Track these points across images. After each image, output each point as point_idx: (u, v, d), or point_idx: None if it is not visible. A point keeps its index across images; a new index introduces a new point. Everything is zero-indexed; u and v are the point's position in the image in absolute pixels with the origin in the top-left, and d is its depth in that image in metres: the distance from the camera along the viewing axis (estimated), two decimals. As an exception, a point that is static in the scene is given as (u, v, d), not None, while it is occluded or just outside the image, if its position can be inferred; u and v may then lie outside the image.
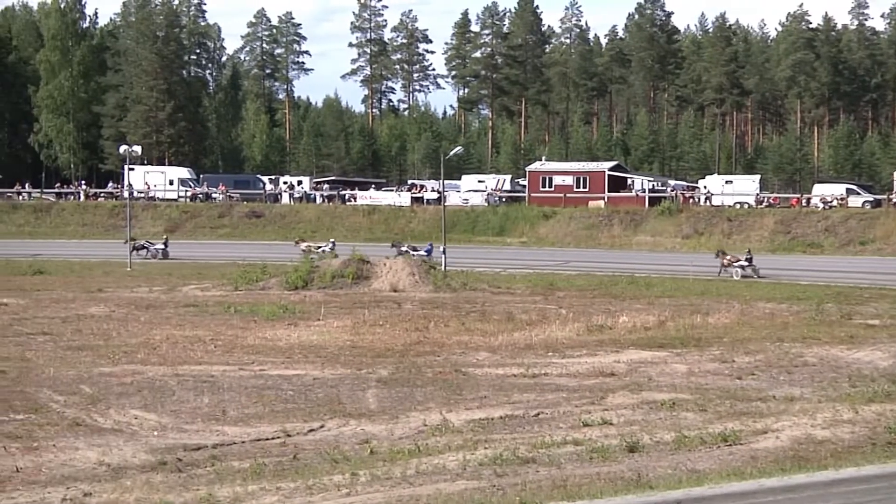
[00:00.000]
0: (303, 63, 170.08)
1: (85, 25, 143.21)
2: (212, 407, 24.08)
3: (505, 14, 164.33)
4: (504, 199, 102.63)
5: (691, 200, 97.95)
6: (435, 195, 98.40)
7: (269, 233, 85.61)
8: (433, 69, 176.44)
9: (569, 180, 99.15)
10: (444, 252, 63.00)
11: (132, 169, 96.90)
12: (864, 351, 32.48)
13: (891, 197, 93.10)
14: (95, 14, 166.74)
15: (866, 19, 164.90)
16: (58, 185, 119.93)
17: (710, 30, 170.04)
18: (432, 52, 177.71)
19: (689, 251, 73.41)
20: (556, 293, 52.03)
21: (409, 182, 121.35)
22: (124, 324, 38.66)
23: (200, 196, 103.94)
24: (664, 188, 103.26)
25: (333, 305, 45.03)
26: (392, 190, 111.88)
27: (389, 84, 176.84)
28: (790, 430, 21.11)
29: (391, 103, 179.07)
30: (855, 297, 49.61)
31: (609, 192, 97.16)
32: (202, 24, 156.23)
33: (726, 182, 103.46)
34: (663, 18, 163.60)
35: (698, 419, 22.42)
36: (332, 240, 74.88)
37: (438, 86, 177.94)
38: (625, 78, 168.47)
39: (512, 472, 17.87)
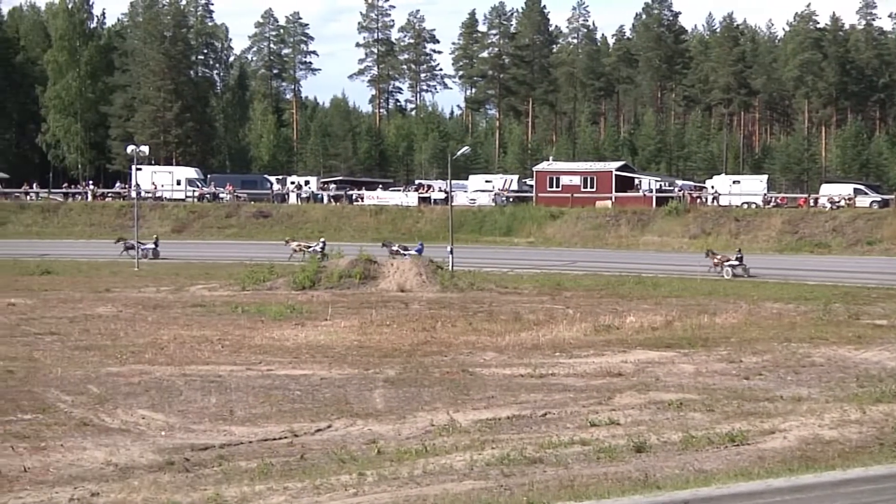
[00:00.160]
0: (310, 63, 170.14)
1: (92, 25, 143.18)
2: (219, 407, 24.11)
3: (512, 14, 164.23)
4: (511, 199, 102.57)
5: (699, 200, 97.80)
6: (442, 195, 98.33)
7: (276, 233, 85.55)
8: (440, 69, 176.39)
9: (576, 180, 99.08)
10: (451, 252, 62.95)
11: (139, 169, 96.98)
12: (871, 351, 32.48)
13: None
14: (103, 14, 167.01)
15: (874, 19, 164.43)
16: (65, 185, 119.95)
17: (718, 30, 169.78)
18: (439, 52, 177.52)
19: (697, 251, 73.23)
20: (564, 293, 52.05)
21: (417, 182, 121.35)
22: (132, 324, 38.72)
23: (208, 196, 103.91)
24: (671, 188, 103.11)
25: (341, 305, 45.08)
26: (399, 190, 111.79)
27: (397, 84, 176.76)
28: (798, 430, 21.10)
29: (398, 103, 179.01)
30: (862, 298, 49.60)
31: (616, 192, 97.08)
32: (209, 24, 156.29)
33: (734, 182, 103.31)
34: (671, 18, 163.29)
35: (706, 419, 22.42)
36: (322, 239, 75.03)
37: (446, 86, 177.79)
38: (632, 78, 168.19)
39: (519, 472, 17.88)
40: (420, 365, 29.67)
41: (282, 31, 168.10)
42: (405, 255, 65.37)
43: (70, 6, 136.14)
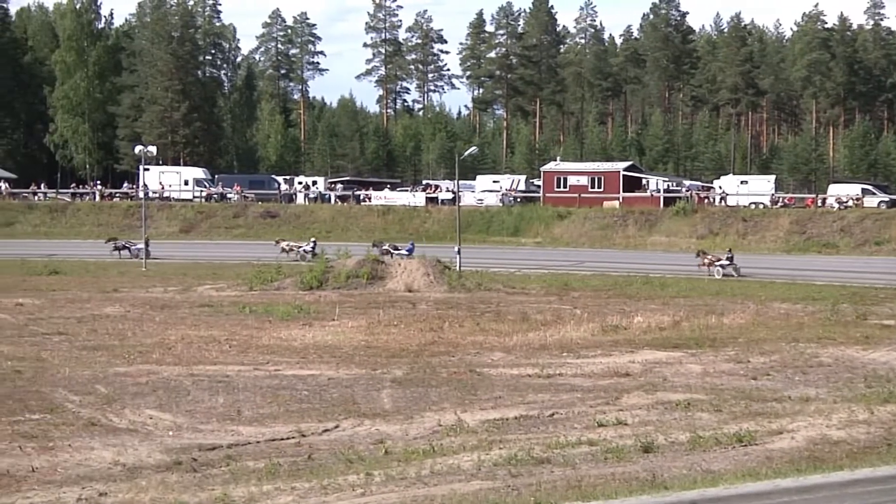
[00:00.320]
0: (317, 63, 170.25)
1: (100, 26, 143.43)
2: (227, 407, 24.12)
3: (520, 14, 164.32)
4: (519, 200, 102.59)
5: (706, 201, 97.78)
6: (449, 195, 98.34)
7: (284, 233, 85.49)
8: (448, 69, 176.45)
9: (583, 180, 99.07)
10: (458, 252, 62.96)
11: (147, 169, 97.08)
12: (879, 351, 32.45)
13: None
14: (111, 15, 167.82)
15: (882, 19, 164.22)
16: (73, 185, 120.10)
17: (726, 30, 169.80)
18: (447, 53, 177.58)
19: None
20: (571, 293, 52.05)
21: (424, 182, 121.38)
22: (139, 324, 38.75)
23: (215, 196, 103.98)
24: (679, 188, 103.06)
25: (348, 305, 45.09)
26: (407, 190, 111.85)
27: (404, 84, 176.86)
28: (805, 430, 21.08)
29: (406, 103, 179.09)
30: (870, 298, 49.55)
31: (624, 192, 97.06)
32: (217, 24, 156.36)
33: (741, 182, 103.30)
34: (678, 18, 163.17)
35: (713, 419, 22.40)
36: (312, 239, 75.21)
37: (453, 86, 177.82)
38: (640, 78, 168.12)
39: (527, 472, 17.88)
40: (428, 365, 29.67)
41: (289, 31, 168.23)
42: (395, 255, 65.30)
43: (78, 6, 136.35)
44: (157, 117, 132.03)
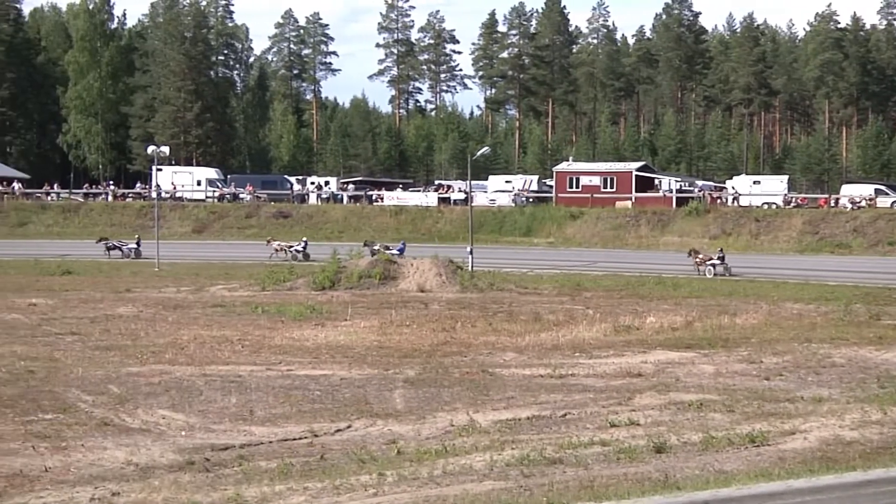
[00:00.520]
0: (330, 63, 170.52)
1: (113, 26, 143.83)
2: (239, 407, 24.14)
3: (532, 14, 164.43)
4: (531, 200, 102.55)
5: (719, 201, 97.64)
6: (462, 195, 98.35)
7: (296, 233, 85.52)
8: (460, 69, 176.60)
9: (596, 181, 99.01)
10: (470, 252, 62.97)
11: (160, 169, 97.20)
12: (893, 352, 32.35)
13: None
14: (124, 15, 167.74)
15: (895, 19, 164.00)
16: (86, 185, 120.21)
17: (738, 30, 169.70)
18: (459, 53, 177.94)
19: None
20: (584, 293, 52.03)
21: (436, 182, 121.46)
22: (152, 324, 38.80)
23: (228, 196, 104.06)
24: (692, 188, 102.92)
25: (360, 306, 45.10)
26: (419, 190, 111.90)
27: (416, 84, 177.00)
28: (818, 430, 21.04)
29: (418, 104, 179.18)
30: (883, 298, 49.47)
31: (636, 192, 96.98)
32: (230, 24, 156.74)
33: (754, 182, 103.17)
34: (691, 18, 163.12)
35: (726, 420, 22.37)
36: (304, 239, 75.59)
37: (465, 86, 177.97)
38: (652, 78, 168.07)
39: (539, 472, 17.86)
40: (440, 365, 29.66)
41: (302, 31, 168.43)
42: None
43: (91, 7, 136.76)
44: (170, 117, 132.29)
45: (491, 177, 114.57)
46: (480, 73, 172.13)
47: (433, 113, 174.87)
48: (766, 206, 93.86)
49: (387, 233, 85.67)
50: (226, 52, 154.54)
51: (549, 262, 70.27)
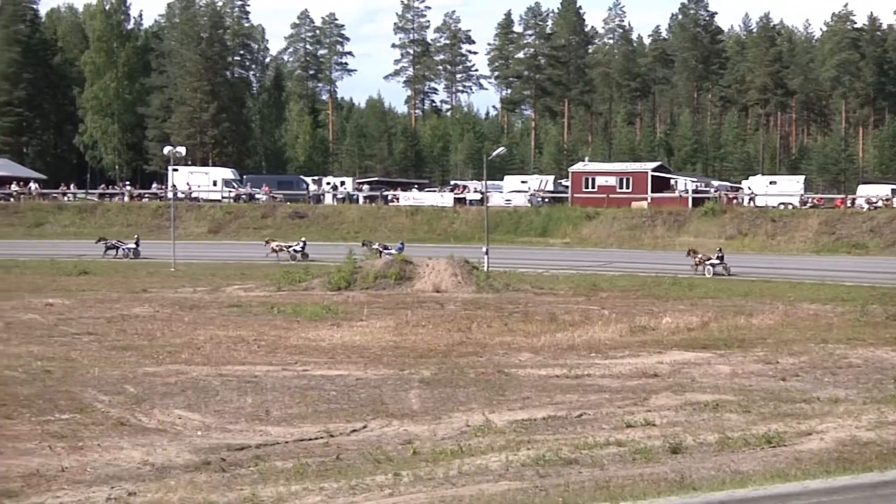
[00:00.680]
0: (346, 64, 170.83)
1: (130, 27, 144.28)
2: (255, 407, 24.15)
3: (548, 14, 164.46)
4: (547, 200, 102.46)
5: (735, 201, 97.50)
6: (478, 196, 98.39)
7: (312, 233, 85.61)
8: (476, 70, 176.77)
9: (612, 181, 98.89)
10: (486, 253, 62.98)
11: (176, 170, 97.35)
12: (909, 352, 32.27)
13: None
14: (140, 15, 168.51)
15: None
16: (102, 185, 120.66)
17: (754, 30, 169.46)
18: (475, 53, 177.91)
19: (733, 252, 72.89)
20: (599, 294, 52.00)
21: (452, 182, 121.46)
22: (168, 324, 38.87)
23: (244, 197, 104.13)
24: (708, 189, 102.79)
25: (376, 306, 45.13)
26: (435, 190, 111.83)
27: (432, 85, 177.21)
28: (835, 431, 20.98)
29: (434, 104, 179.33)
30: (900, 299, 49.27)
31: (652, 192, 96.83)
32: (246, 25, 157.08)
33: (770, 183, 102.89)
34: (707, 18, 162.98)
35: (742, 420, 22.32)
36: (303, 239, 75.73)
37: (481, 86, 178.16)
38: (668, 78, 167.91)
39: (555, 472, 17.84)
40: (455, 365, 29.65)
41: (318, 31, 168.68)
42: (384, 254, 65.23)
43: (107, 7, 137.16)
44: (186, 118, 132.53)
45: (507, 177, 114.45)
46: (496, 73, 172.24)
47: (449, 113, 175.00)
48: (782, 207, 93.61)
49: (402, 233, 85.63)
50: (242, 52, 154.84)
51: (565, 263, 70.18)
